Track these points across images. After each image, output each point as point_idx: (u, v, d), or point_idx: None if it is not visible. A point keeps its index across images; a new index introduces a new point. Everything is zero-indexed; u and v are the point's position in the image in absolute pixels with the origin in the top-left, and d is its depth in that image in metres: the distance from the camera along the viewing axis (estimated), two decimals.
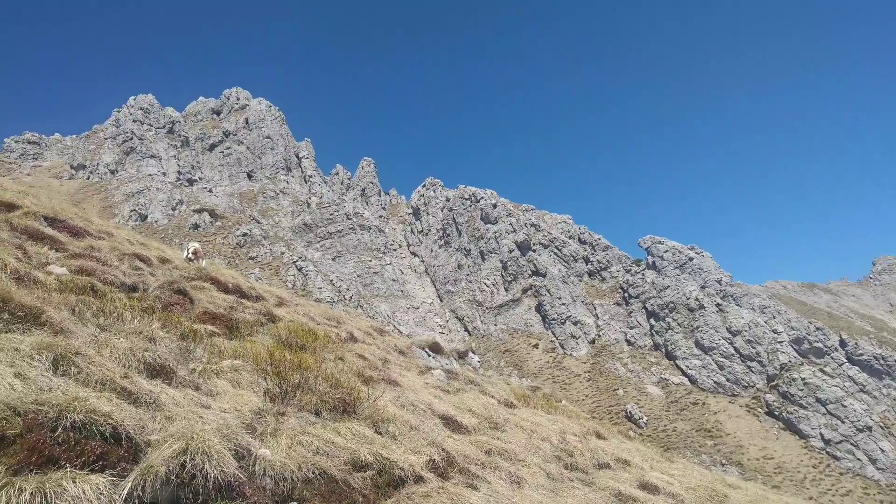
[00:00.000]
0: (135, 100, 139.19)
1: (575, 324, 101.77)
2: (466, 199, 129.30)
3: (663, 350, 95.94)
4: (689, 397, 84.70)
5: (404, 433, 7.77)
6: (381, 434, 7.34)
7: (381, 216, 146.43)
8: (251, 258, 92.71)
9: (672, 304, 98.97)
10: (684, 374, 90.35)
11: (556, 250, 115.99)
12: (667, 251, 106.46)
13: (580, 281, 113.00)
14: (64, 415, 4.27)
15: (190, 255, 18.62)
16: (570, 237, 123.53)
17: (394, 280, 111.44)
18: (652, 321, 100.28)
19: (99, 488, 3.81)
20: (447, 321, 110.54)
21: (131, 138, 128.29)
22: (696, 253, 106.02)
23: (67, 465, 3.94)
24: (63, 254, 13.04)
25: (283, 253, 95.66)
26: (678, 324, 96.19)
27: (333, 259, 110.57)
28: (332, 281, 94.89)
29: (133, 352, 6.91)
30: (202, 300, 12.82)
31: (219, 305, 12.85)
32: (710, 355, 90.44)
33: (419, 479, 6.50)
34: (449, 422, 9.66)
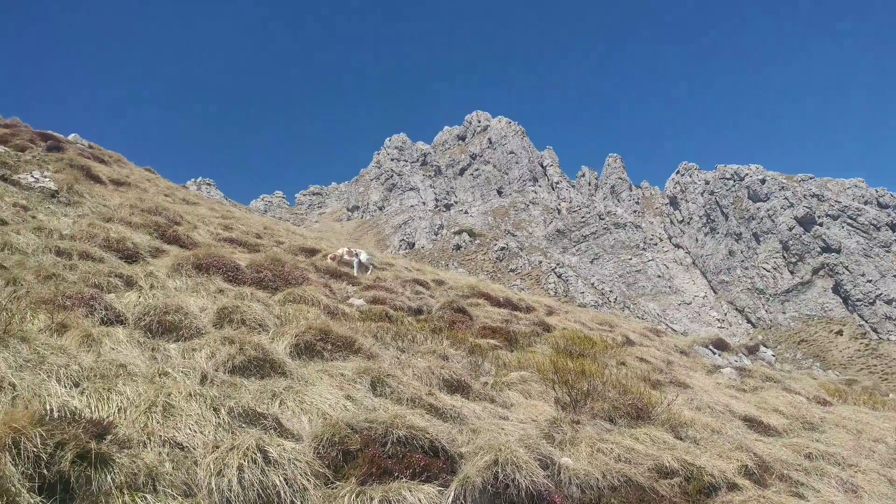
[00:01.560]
0: (390, 140, 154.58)
1: (888, 303, 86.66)
2: (728, 179, 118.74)
3: None
4: None
5: (706, 437, 7.27)
6: (680, 439, 6.96)
7: (635, 211, 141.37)
8: (511, 270, 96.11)
9: None
10: None
11: (848, 220, 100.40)
12: None
13: (887, 252, 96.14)
14: (390, 431, 4.77)
15: (328, 260, 16.56)
16: (865, 203, 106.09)
17: (659, 276, 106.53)
18: None
19: (430, 497, 4.17)
20: (725, 314, 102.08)
21: (391, 176, 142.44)
22: None
23: (400, 476, 4.38)
24: (358, 287, 14.81)
25: (540, 262, 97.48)
26: None
27: (591, 262, 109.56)
28: (593, 284, 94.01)
29: (431, 370, 7.51)
30: (479, 316, 13.56)
31: (495, 319, 13.46)
32: None
33: (733, 487, 6.00)
34: (753, 423, 8.81)
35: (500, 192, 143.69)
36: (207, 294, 9.52)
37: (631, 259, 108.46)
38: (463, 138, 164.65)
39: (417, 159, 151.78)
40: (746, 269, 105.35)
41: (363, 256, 17.18)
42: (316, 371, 6.55)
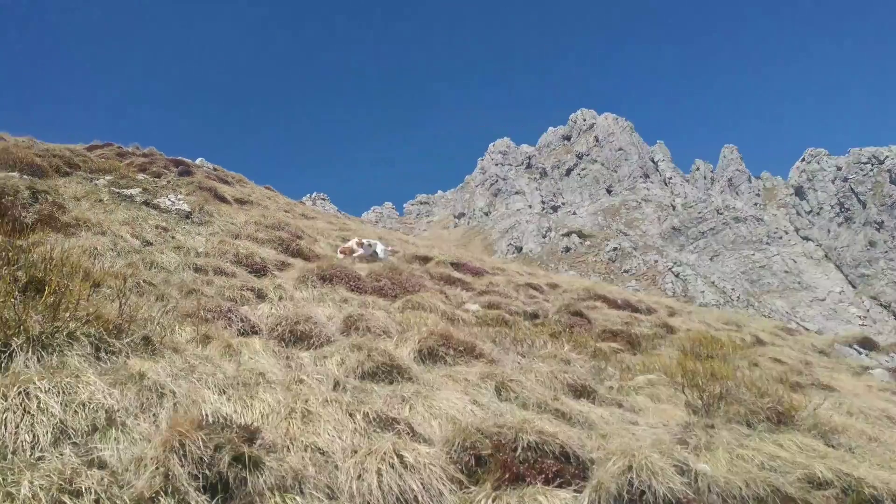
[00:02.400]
0: (493, 145, 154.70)
1: None
2: (864, 163, 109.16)
3: None
4: None
5: (862, 445, 6.67)
6: (832, 447, 6.42)
7: (755, 204, 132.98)
8: (625, 271, 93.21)
9: None
10: None
11: None
12: None
13: None
14: (520, 436, 4.73)
15: (339, 255, 15.75)
16: None
17: (786, 272, 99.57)
18: None
19: (565, 503, 4.10)
20: (867, 310, 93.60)
21: (496, 181, 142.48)
22: None
23: (533, 481, 4.33)
24: (472, 292, 14.89)
25: (656, 261, 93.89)
26: None
27: (711, 259, 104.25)
28: (713, 282, 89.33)
29: (554, 374, 7.42)
30: (597, 319, 13.25)
31: (614, 322, 13.11)
32: None
33: None
34: None
35: (609, 191, 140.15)
36: (333, 303, 9.95)
37: (754, 254, 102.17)
38: (568, 138, 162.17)
39: (522, 162, 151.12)
40: (892, 260, 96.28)
41: (379, 248, 16.46)
42: (440, 376, 6.66)
